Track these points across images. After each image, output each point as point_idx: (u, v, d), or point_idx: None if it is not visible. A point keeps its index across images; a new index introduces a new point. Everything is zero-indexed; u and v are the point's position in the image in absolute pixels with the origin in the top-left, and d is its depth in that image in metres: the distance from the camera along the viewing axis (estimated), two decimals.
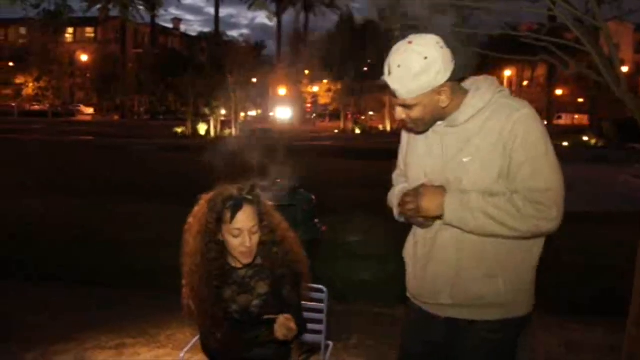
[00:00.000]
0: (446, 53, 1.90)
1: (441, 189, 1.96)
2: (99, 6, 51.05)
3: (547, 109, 40.99)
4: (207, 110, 35.37)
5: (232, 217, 2.16)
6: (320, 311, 2.90)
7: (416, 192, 1.99)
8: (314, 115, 56.80)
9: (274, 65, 47.01)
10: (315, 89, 48.73)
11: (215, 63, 34.77)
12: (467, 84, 2.05)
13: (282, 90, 42.77)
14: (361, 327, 4.49)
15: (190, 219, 2.27)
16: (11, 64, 48.70)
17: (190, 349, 2.77)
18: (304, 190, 4.25)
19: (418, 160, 2.10)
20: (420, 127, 2.03)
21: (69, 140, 27.83)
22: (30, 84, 48.75)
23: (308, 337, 2.81)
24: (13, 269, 5.98)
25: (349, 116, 47.53)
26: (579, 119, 47.73)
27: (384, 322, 4.48)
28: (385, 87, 1.93)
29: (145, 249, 6.81)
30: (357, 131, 44.49)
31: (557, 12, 3.27)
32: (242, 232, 2.17)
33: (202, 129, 35.55)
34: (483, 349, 2.03)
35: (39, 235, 7.59)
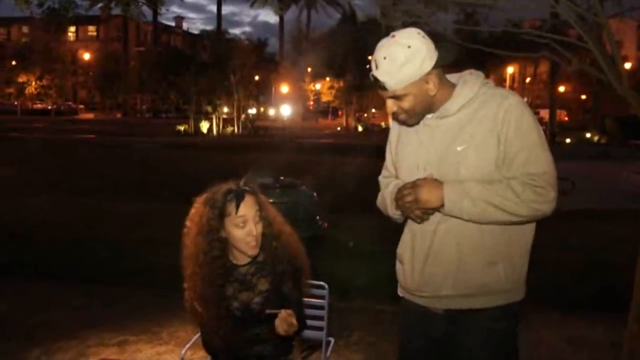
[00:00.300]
0: (428, 42, 1.96)
1: (439, 181, 1.97)
2: (101, 4, 51.28)
3: (550, 106, 40.90)
4: (209, 108, 35.39)
5: (237, 206, 2.18)
6: (321, 308, 2.90)
7: (413, 184, 1.99)
8: (314, 112, 56.75)
9: (276, 63, 47.05)
10: (318, 86, 48.66)
11: (217, 61, 34.79)
12: (453, 77, 2.09)
13: (284, 88, 42.74)
14: (362, 324, 4.50)
15: (188, 223, 2.28)
16: (14, 62, 48.69)
17: (192, 346, 2.78)
18: (306, 187, 4.26)
19: (411, 154, 2.11)
20: (413, 118, 2.05)
21: (71, 139, 27.85)
22: (33, 83, 48.79)
23: (309, 334, 2.81)
24: (14, 268, 5.99)
25: (352, 114, 47.51)
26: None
27: (385, 320, 4.47)
28: (374, 83, 1.99)
29: (147, 246, 6.82)
30: (360, 129, 44.48)
31: (560, 9, 3.27)
32: (247, 221, 2.19)
33: (204, 126, 35.56)
34: (488, 341, 2.03)
35: (41, 233, 7.60)
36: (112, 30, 59.68)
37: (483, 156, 1.95)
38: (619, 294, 3.70)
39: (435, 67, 1.96)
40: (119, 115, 53.82)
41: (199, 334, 2.47)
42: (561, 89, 45.74)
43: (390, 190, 2.14)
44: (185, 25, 79.18)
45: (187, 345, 2.82)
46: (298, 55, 48.04)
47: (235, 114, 36.68)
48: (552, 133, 33.24)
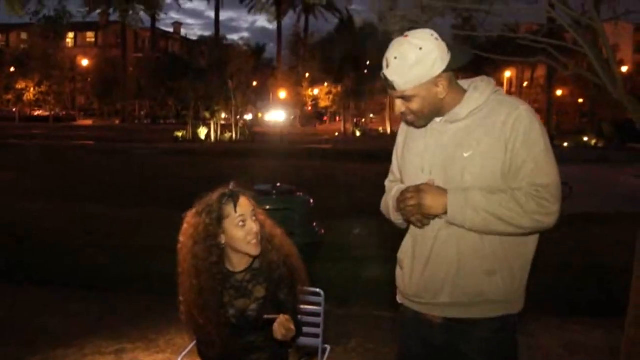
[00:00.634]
0: (441, 44, 1.94)
1: (443, 188, 1.96)
2: (99, 11, 51.32)
3: (547, 110, 40.99)
4: (207, 114, 35.37)
5: (235, 205, 2.22)
6: (317, 314, 2.89)
7: (417, 188, 1.98)
8: (311, 117, 56.74)
9: (274, 68, 47.08)
10: (316, 91, 48.72)
11: (215, 67, 34.79)
12: (464, 83, 2.07)
13: (282, 93, 42.76)
14: (361, 330, 4.48)
15: (181, 238, 2.29)
16: (12, 68, 48.67)
17: (188, 353, 2.77)
18: (302, 193, 4.26)
19: (417, 157, 2.09)
20: (421, 120, 2.04)
21: (70, 145, 27.85)
22: (31, 89, 48.79)
23: (305, 341, 2.80)
24: (13, 273, 5.98)
25: (350, 119, 47.56)
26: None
27: (383, 326, 4.45)
28: (385, 82, 1.97)
29: (145, 253, 6.82)
30: (358, 134, 44.52)
31: (555, 14, 3.28)
32: (247, 219, 2.22)
33: (202, 132, 35.56)
34: (487, 350, 2.01)
35: (39, 239, 7.59)
36: (111, 36, 59.77)
37: (489, 163, 1.94)
38: (617, 298, 3.69)
39: (446, 70, 1.95)
40: (117, 122, 53.84)
41: (194, 342, 2.46)
42: (558, 92, 45.87)
43: (393, 195, 2.14)
44: (183, 31, 79.15)
45: (184, 353, 2.81)
46: (296, 60, 48.12)
47: (233, 119, 36.67)
48: (550, 137, 33.23)
